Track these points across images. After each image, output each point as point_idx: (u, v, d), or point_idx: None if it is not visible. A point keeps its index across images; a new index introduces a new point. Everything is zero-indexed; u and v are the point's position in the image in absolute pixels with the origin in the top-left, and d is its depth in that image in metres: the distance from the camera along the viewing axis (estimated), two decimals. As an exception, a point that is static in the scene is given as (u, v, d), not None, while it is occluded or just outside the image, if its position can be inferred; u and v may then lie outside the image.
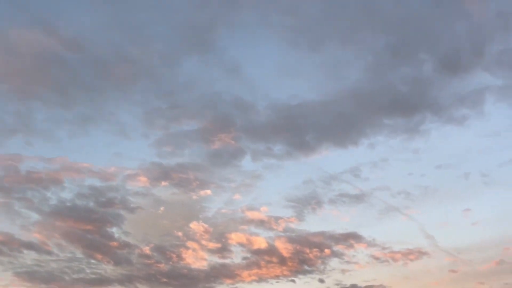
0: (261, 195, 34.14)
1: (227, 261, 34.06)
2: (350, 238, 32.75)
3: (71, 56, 31.01)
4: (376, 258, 32.30)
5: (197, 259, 34.17)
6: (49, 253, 36.26)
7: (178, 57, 32.71)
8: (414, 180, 33.16)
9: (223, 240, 33.75)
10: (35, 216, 34.51)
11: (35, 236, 35.09)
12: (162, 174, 33.35)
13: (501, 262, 30.67)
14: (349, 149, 33.10)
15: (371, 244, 32.42)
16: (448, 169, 32.76)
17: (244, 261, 33.71)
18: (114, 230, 34.42)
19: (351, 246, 32.74)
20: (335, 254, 32.66)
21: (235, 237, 33.88)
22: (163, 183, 33.63)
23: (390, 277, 32.33)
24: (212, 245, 33.99)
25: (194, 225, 33.94)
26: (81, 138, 33.15)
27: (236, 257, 34.01)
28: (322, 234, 33.15)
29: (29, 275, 35.97)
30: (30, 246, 35.63)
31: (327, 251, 32.72)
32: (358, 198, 33.28)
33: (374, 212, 33.17)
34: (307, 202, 33.31)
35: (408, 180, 33.29)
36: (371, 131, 32.64)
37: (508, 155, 31.87)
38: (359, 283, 32.26)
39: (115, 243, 34.19)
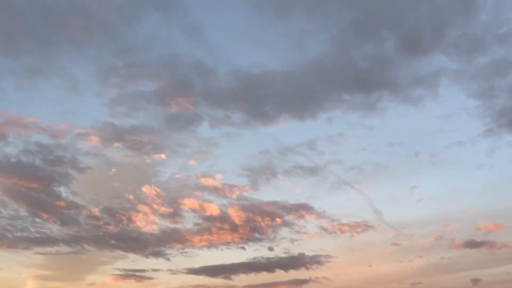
0: (217, 163, 33.97)
1: (178, 226, 34.00)
2: (302, 209, 33.49)
3: (19, 2, 28.76)
4: (325, 229, 33.32)
5: (147, 222, 33.85)
6: (-10, 209, 34.65)
7: (138, 14, 31.13)
8: (367, 156, 34.07)
9: (176, 205, 33.54)
10: (-25, 171, 32.63)
11: (-25, 192, 33.30)
12: (115, 135, 32.28)
13: (440, 237, 32.53)
14: (306, 122, 33.33)
15: (321, 215, 33.32)
16: (399, 147, 33.85)
17: (195, 227, 33.79)
18: (62, 190, 33.28)
19: (302, 216, 33.53)
20: (286, 224, 33.37)
21: (188, 203, 33.75)
22: (116, 144, 32.64)
23: (336, 248, 33.58)
24: (164, 209, 33.72)
25: (146, 189, 33.43)
26: (28, 92, 31.27)
27: (188, 222, 34.00)
28: (274, 203, 33.67)
29: (-32, 231, 34.29)
30: (-31, 201, 33.82)
31: (278, 220, 33.36)
32: (312, 170, 33.87)
33: (326, 185, 33.93)
34: (262, 172, 33.54)
35: (361, 156, 34.16)
36: (329, 106, 32.94)
37: (456, 137, 33.32)
38: (307, 252, 33.32)
39: (62, 203, 33.15)
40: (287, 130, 34.23)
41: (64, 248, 33.49)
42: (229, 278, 32.92)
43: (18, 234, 33.14)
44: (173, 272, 32.92)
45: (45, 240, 33.22)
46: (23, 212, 33.04)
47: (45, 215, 32.91)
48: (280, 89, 32.38)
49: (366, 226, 33.06)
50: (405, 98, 32.29)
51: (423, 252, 32.31)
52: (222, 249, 33.25)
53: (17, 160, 31.64)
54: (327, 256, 32.59)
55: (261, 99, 32.57)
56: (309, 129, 34.08)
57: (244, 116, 32.79)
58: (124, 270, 33.16)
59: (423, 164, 33.64)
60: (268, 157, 33.61)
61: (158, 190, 33.45)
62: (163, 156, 33.07)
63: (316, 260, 32.56)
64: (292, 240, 33.04)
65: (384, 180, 34.19)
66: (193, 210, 33.62)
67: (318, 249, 32.82)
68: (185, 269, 33.03)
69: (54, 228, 33.29)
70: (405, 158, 34.02)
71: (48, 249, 33.55)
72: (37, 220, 33.27)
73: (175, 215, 33.52)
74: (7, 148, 31.32)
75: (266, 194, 33.94)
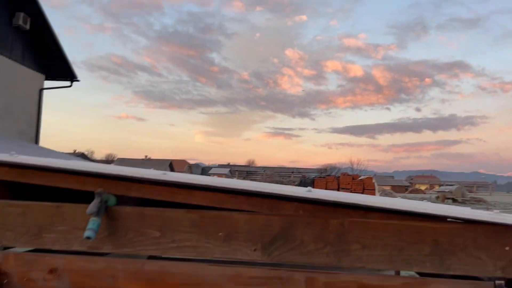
0: (360, 21, 32.32)
1: (322, 87, 34.93)
2: (456, 67, 30.80)
3: None
4: (483, 89, 30.39)
5: (292, 85, 35.31)
6: (159, 75, 40.10)
7: None
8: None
9: (318, 67, 33.98)
10: (143, 41, 37.16)
11: (145, 60, 38.45)
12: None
13: None
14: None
15: (479, 74, 30.21)
16: None
17: (339, 89, 34.21)
18: (214, 56, 36.42)
19: (456, 75, 30.90)
20: (436, 84, 31.35)
21: (330, 65, 33.82)
22: (258, 8, 33.20)
23: (495, 109, 30.70)
24: (307, 72, 34.51)
25: (289, 52, 34.26)
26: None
27: (331, 84, 34.50)
28: (424, 62, 31.60)
29: (145, 94, 40.57)
30: (142, 68, 39.55)
31: (427, 80, 31.46)
32: (472, 22, 29.86)
33: (488, 39, 29.93)
34: (410, 28, 31.00)
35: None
36: None
37: None
38: (459, 113, 31.31)
39: (216, 68, 36.54)
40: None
41: (221, 109, 37.70)
42: (373, 138, 33.58)
43: (184, 96, 38.19)
44: (318, 131, 34.87)
45: (206, 102, 37.71)
46: (185, 77, 37.85)
47: (203, 80, 37.06)
48: None
49: (535, 85, 28.77)
50: None
51: None
52: (366, 110, 33.46)
53: (174, 30, 35.38)
54: (483, 117, 30.27)
55: None
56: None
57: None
58: (274, 128, 36.25)
59: None
60: (418, 10, 30.52)
61: (301, 53, 34.03)
62: (303, 17, 32.69)
63: (469, 121, 30.65)
64: (442, 101, 31.34)
65: None
66: (336, 72, 33.69)
67: (472, 109, 30.58)
68: (330, 128, 34.58)
69: (212, 91, 37.47)
70: None
71: (209, 109, 38.18)
72: (197, 84, 37.74)
73: (318, 77, 34.17)
74: (164, 18, 34.75)
75: (415, 52, 31.77)
